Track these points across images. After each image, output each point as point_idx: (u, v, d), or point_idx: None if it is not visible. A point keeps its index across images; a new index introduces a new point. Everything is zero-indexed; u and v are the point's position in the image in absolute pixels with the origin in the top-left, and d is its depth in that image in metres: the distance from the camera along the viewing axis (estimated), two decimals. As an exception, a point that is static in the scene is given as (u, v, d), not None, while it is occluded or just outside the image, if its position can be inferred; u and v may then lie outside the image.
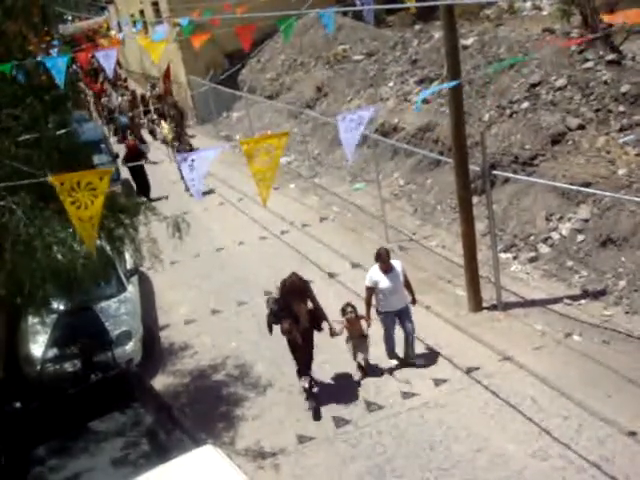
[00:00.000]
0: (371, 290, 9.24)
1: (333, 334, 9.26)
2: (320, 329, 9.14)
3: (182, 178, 17.28)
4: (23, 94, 8.63)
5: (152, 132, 27.51)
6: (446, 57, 10.01)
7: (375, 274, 9.24)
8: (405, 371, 9.62)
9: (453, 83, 8.82)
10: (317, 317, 9.06)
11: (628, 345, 9.21)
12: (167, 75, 25.82)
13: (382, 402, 9.05)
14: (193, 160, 6.42)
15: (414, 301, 9.66)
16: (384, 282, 9.15)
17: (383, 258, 9.16)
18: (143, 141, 24.60)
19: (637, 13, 9.09)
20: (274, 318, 9.02)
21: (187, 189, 17.39)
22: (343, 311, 9.36)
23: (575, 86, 13.57)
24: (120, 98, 31.06)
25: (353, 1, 15.83)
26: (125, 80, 38.14)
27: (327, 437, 8.64)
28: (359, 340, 9.50)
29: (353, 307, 9.37)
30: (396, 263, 9.36)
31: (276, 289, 9.21)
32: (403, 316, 9.46)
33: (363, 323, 9.50)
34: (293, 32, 11.58)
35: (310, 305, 9.04)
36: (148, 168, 20.33)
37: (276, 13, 11.48)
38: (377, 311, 9.43)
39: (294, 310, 8.84)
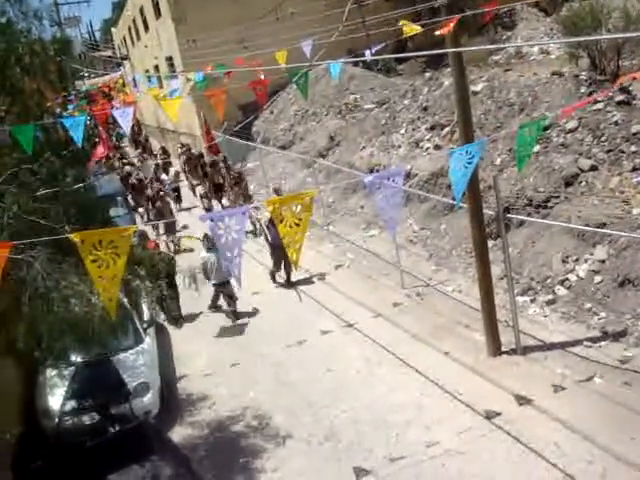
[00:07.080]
0: None
1: None
2: None
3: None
4: (41, 149, 8.81)
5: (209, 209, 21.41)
6: (456, 103, 10.13)
7: None
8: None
9: (482, 140, 8.35)
10: None
11: (651, 387, 9.07)
12: (208, 131, 23.06)
13: (403, 451, 8.87)
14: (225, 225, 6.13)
15: None
16: None
17: None
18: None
19: None
20: None
21: (211, 306, 14.60)
22: None
23: (586, 128, 13.66)
24: (153, 164, 25.75)
25: (363, 52, 16.20)
26: (146, 140, 34.79)
27: (348, 488, 8.48)
28: None
29: None
30: None
31: None
32: None
33: None
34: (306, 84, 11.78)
35: None
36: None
37: (288, 65, 11.71)
38: None
39: None
